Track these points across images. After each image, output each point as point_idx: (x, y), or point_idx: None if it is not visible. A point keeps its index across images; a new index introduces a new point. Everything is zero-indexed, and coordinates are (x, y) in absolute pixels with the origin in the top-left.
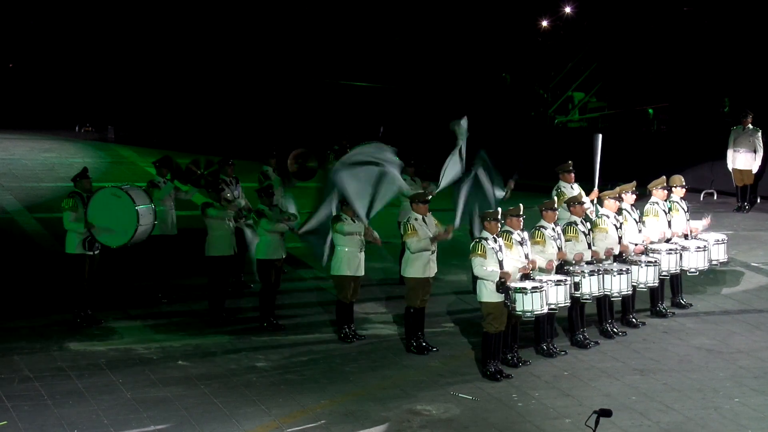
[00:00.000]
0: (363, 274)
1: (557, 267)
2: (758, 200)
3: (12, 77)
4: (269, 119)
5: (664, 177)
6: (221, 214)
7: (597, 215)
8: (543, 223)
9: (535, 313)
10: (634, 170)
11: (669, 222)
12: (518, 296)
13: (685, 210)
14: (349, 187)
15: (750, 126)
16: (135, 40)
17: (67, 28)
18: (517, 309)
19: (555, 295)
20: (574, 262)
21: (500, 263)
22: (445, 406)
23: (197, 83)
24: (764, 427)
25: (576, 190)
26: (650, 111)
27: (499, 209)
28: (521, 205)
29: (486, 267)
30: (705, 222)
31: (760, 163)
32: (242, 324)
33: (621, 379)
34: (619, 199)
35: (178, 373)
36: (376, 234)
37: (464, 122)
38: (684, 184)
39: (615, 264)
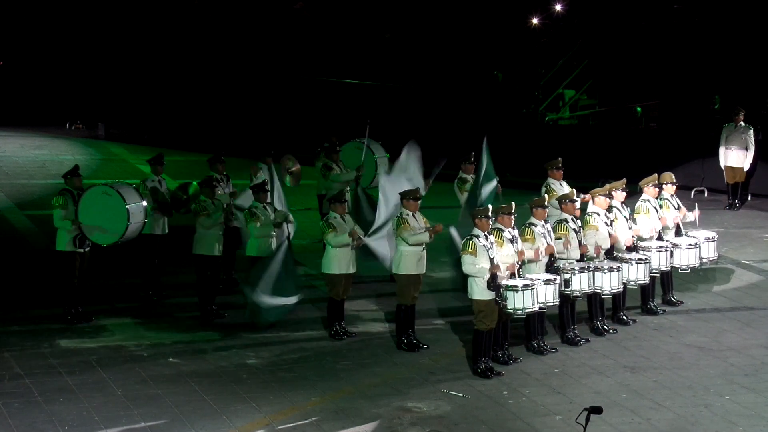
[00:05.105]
0: (355, 271)
1: (546, 265)
2: (749, 198)
3: (2, 75)
4: (260, 116)
5: (656, 174)
6: (216, 219)
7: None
8: (533, 220)
9: (526, 310)
10: (624, 167)
11: (659, 219)
12: (509, 294)
13: (676, 207)
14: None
15: (742, 123)
16: (126, 37)
17: (57, 26)
18: (508, 307)
19: (544, 295)
20: (564, 249)
21: (491, 261)
22: (435, 404)
23: (189, 80)
24: (754, 424)
25: (565, 187)
26: (638, 109)
27: (490, 206)
28: (513, 203)
29: (476, 265)
30: (695, 213)
31: (751, 161)
32: (233, 321)
33: (611, 376)
34: (609, 196)
35: (168, 370)
36: (361, 236)
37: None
38: (675, 181)
39: (606, 261)
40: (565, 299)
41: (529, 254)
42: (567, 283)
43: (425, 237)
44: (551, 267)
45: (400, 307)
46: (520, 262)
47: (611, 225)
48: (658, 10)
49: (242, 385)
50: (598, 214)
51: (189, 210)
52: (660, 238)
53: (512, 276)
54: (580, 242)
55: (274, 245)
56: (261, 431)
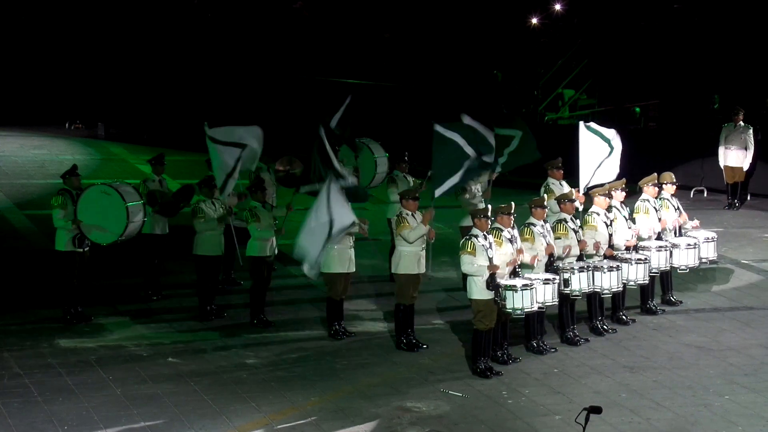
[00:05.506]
0: (354, 270)
1: (546, 264)
2: (748, 197)
3: (1, 74)
4: (260, 116)
5: (656, 174)
6: (210, 222)
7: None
8: (532, 220)
9: (525, 310)
10: (624, 167)
11: (659, 219)
12: (508, 294)
13: (676, 207)
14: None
15: (741, 123)
16: (126, 37)
17: (57, 25)
18: (507, 306)
19: (543, 294)
20: (564, 255)
21: (490, 260)
22: (435, 403)
23: (189, 80)
24: (754, 424)
25: (565, 187)
26: (637, 109)
27: (489, 206)
28: (512, 203)
29: (475, 264)
30: (694, 225)
31: (750, 161)
32: (232, 321)
33: (611, 376)
34: (609, 196)
35: (168, 370)
36: (365, 226)
37: None
38: (675, 181)
39: (605, 261)
40: (565, 299)
41: (525, 258)
42: (566, 282)
43: (423, 230)
44: (550, 266)
45: (399, 306)
46: (519, 261)
47: (611, 225)
48: (658, 10)
49: (242, 385)
50: (598, 214)
51: (188, 204)
52: (659, 238)
53: (513, 273)
54: (579, 242)
55: (274, 245)
56: (260, 431)
